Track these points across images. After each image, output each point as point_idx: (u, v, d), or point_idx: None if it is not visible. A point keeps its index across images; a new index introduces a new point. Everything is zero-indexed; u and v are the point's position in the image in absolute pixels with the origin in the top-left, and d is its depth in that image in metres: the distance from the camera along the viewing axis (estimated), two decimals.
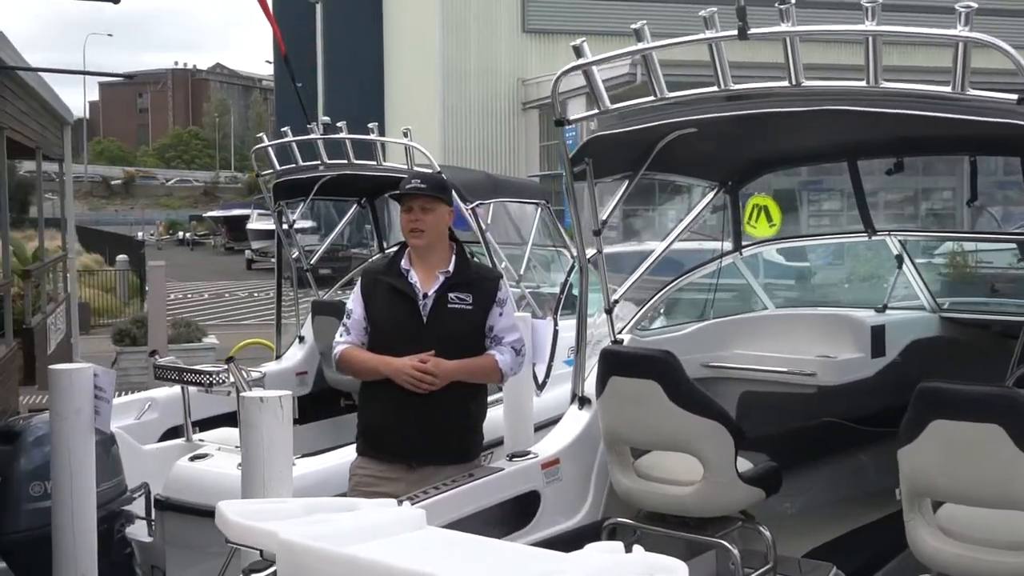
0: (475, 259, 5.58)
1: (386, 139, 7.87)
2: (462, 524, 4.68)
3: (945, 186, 28.62)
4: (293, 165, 8.28)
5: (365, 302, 5.08)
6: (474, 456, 5.15)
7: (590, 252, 5.19)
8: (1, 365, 10.57)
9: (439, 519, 4.55)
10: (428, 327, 4.95)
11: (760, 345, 5.93)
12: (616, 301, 5.48)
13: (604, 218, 5.15)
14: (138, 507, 6.41)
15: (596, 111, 4.55)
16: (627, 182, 5.22)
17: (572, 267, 7.38)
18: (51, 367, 5.14)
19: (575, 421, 5.31)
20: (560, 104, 4.73)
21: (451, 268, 5.03)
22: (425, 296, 4.98)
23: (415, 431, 4.93)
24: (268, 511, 2.42)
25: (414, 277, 5.01)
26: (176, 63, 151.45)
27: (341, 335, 5.12)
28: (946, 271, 12.42)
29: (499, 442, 6.14)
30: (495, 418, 6.81)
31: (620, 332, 5.66)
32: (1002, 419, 3.80)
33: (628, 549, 2.04)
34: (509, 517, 4.98)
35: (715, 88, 4.21)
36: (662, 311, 6.32)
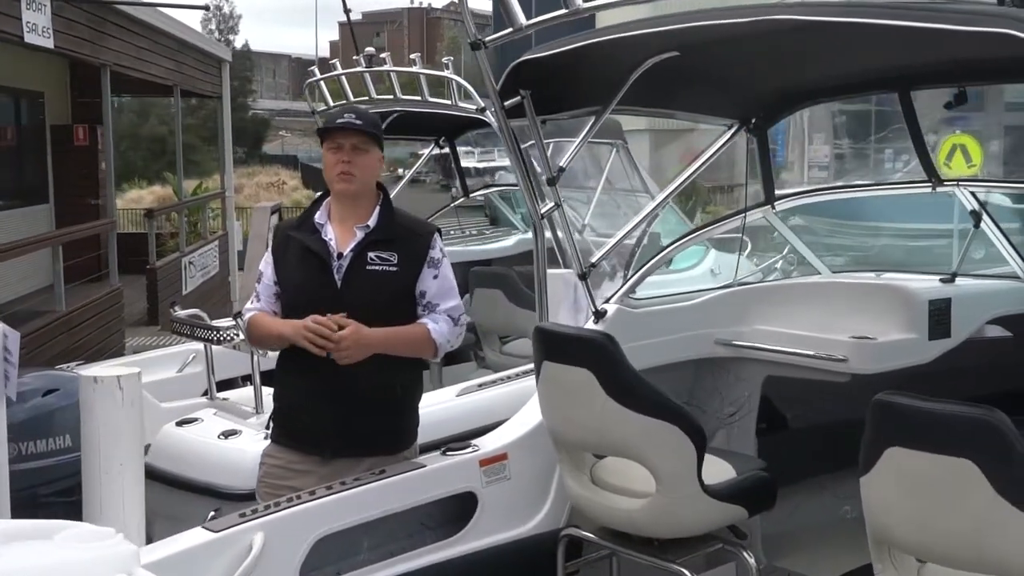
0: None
1: (428, 71, 7.06)
2: (370, 530, 3.97)
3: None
4: (344, 102, 7.61)
5: (276, 263, 4.30)
6: (403, 446, 4.32)
7: (545, 207, 4.25)
8: (103, 306, 10.46)
9: (339, 522, 3.85)
10: (342, 293, 4.13)
11: (787, 320, 4.81)
12: (593, 265, 4.53)
13: (562, 164, 4.19)
14: None
15: (509, 30, 3.59)
16: (593, 119, 4.22)
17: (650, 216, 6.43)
18: None
19: (535, 408, 4.41)
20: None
21: (372, 222, 4.18)
22: (340, 256, 4.16)
23: (328, 415, 4.15)
24: None
25: (329, 233, 4.19)
26: (412, 1, 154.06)
27: (252, 301, 4.38)
28: None
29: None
30: (496, 401, 6.08)
31: (610, 299, 4.71)
32: (975, 452, 2.73)
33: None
34: (436, 523, 4.18)
35: None
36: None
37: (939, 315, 4.69)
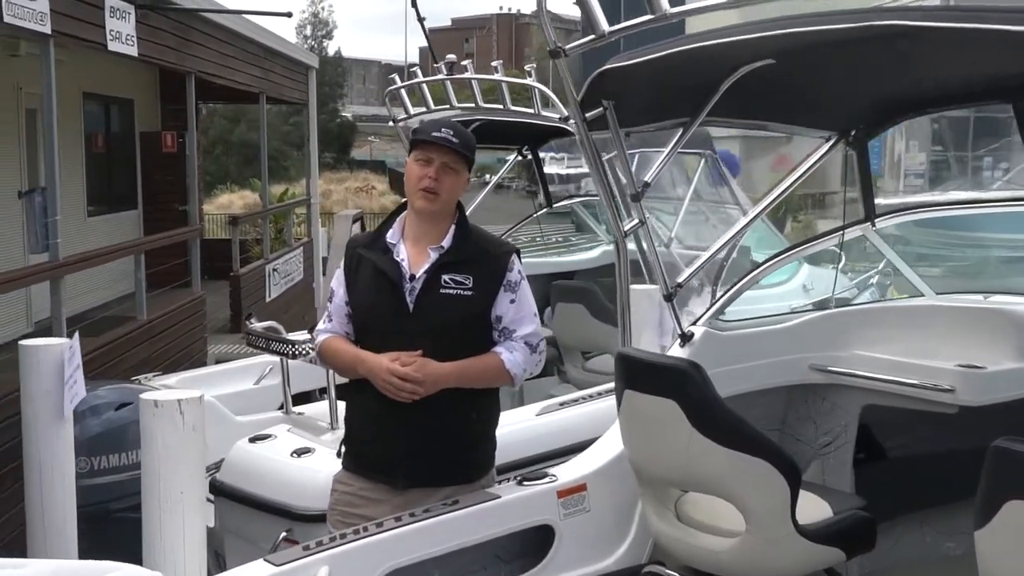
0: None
1: (511, 79, 6.85)
2: (442, 563, 3.77)
3: None
4: (424, 109, 7.45)
5: (347, 283, 4.11)
6: (479, 475, 4.10)
7: (629, 224, 4.00)
8: (185, 313, 10.45)
9: (409, 555, 3.66)
10: (414, 317, 3.92)
11: (888, 345, 4.49)
12: (679, 285, 4.26)
13: (647, 179, 3.94)
14: None
15: (591, 37, 3.35)
16: (680, 131, 3.96)
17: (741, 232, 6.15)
18: (21, 342, 4.54)
19: (618, 436, 4.17)
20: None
21: (446, 243, 3.96)
22: (412, 278, 3.95)
23: (401, 445, 3.94)
24: None
25: (401, 254, 3.98)
26: (500, 8, 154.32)
27: (323, 322, 4.20)
28: None
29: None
30: (577, 422, 5.85)
31: (696, 322, 4.44)
32: None
33: None
34: (513, 556, 3.96)
35: None
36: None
37: None
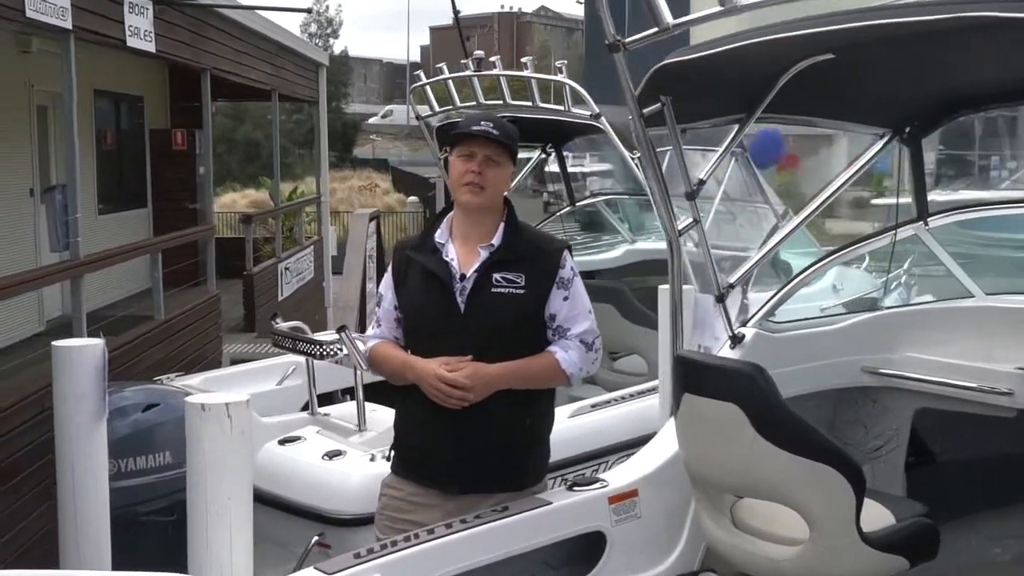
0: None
1: (540, 76, 6.74)
2: (493, 571, 3.67)
3: None
4: (450, 107, 7.34)
5: (396, 286, 4.01)
6: (532, 482, 4.00)
7: (683, 222, 3.89)
8: (201, 313, 10.35)
9: (461, 563, 3.56)
10: (465, 318, 3.82)
11: (941, 347, 4.39)
12: (731, 285, 4.16)
13: (702, 176, 3.84)
14: None
15: (654, 30, 3.25)
16: (736, 128, 3.86)
17: (773, 228, 6.06)
18: (54, 343, 4.44)
19: (668, 440, 4.07)
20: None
21: (497, 240, 3.87)
22: (463, 278, 3.85)
23: (452, 450, 3.85)
24: None
25: (451, 253, 3.88)
26: (502, 6, 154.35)
27: (372, 327, 4.10)
28: None
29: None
30: (611, 423, 5.77)
31: (746, 323, 4.34)
32: None
33: None
34: (561, 563, 3.87)
35: None
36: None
37: None
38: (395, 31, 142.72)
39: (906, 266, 7.38)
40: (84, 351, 4.35)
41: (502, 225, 3.90)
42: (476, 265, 3.83)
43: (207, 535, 3.39)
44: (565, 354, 3.83)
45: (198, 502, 3.40)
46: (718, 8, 3.07)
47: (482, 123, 3.85)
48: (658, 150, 6.35)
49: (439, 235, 3.93)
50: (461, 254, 3.88)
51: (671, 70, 3.56)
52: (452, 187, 3.95)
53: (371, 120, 70.30)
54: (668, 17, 3.22)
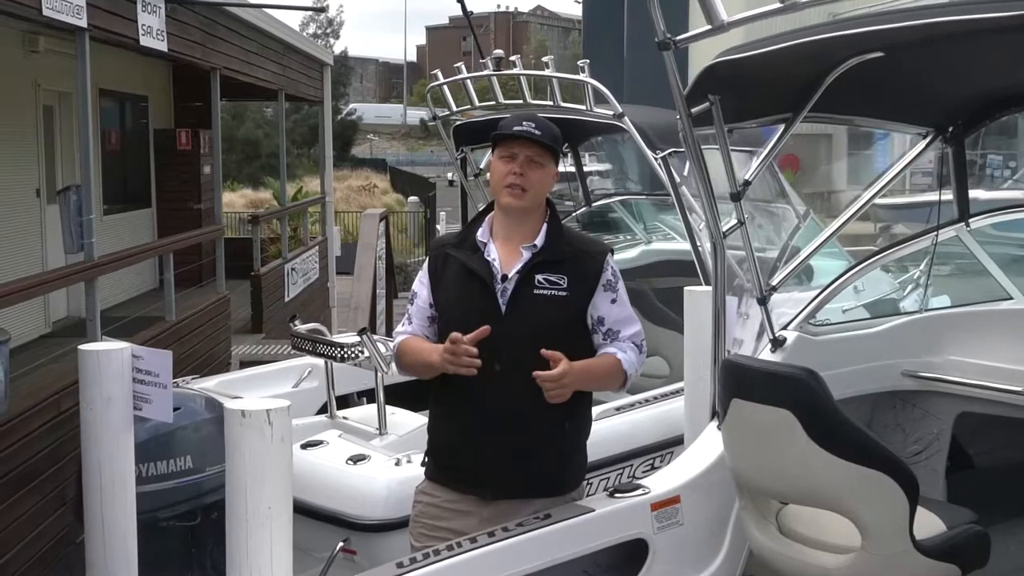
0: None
1: (561, 75, 6.67)
2: None
3: None
4: (468, 106, 7.27)
5: (432, 284, 3.93)
6: (571, 488, 3.94)
7: (727, 223, 3.83)
8: (211, 314, 10.26)
9: (502, 572, 3.50)
10: (507, 319, 3.75)
11: (986, 351, 4.33)
12: (774, 288, 4.09)
13: (748, 177, 3.77)
14: None
15: (707, 27, 3.18)
16: (783, 127, 3.79)
17: (795, 230, 5.97)
18: (80, 346, 4.34)
19: (709, 445, 4.00)
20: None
21: (539, 241, 3.80)
22: (504, 279, 3.78)
23: (489, 456, 3.79)
24: None
25: (492, 253, 3.82)
26: (498, 6, 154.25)
27: (403, 324, 4.02)
28: None
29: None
30: (637, 426, 5.71)
31: (787, 326, 4.27)
32: None
33: None
34: (602, 572, 3.80)
35: None
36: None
37: None
38: (390, 31, 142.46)
39: (923, 264, 7.31)
40: (111, 355, 4.24)
41: (544, 226, 3.84)
42: (518, 266, 3.77)
43: (247, 546, 3.29)
44: (625, 355, 3.79)
45: (238, 511, 3.30)
46: (777, 5, 3.00)
47: (524, 123, 3.79)
48: (678, 151, 6.31)
49: (480, 234, 3.87)
50: (503, 254, 3.81)
51: (721, 69, 3.49)
52: (494, 188, 3.88)
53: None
54: (723, 15, 3.16)
